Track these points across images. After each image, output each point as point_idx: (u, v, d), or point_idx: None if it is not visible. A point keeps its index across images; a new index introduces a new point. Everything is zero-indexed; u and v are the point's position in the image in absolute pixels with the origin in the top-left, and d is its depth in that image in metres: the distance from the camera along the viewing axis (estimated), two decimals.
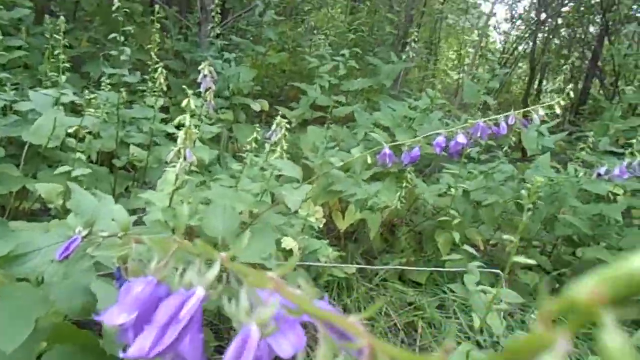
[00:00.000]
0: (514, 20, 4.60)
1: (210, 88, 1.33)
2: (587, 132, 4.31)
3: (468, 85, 2.53)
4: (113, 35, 1.51)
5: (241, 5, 3.77)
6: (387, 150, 1.17)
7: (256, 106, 2.55)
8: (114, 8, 1.39)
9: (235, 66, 2.58)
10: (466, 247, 1.57)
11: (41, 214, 1.71)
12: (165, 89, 1.69)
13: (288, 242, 1.89)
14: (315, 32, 6.69)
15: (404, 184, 1.85)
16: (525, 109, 1.09)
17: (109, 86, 1.69)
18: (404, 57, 2.68)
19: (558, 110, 1.06)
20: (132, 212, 1.97)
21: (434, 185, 2.15)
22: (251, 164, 1.59)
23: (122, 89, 1.78)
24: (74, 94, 1.59)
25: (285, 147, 1.35)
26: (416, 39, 2.60)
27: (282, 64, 4.22)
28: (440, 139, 1.12)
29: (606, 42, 5.42)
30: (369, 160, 1.22)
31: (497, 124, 1.08)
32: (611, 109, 3.43)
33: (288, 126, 1.47)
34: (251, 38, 3.18)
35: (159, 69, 1.66)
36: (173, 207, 1.03)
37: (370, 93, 2.88)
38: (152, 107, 1.73)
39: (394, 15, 3.35)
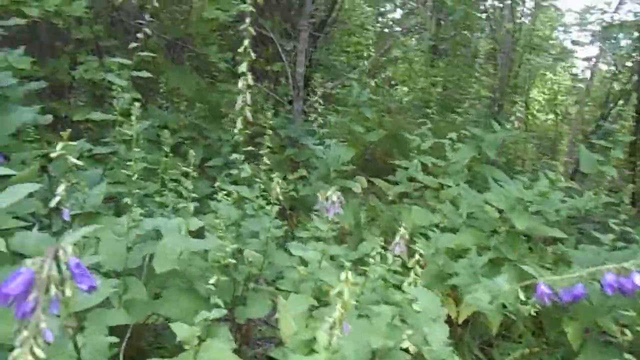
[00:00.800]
0: (616, 66, 4.30)
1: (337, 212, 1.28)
2: None
3: (585, 156, 2.34)
4: (234, 155, 1.51)
5: (328, 74, 3.81)
6: (544, 288, 1.05)
7: (357, 188, 2.50)
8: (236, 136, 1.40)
9: (334, 145, 2.57)
10: None
11: (164, 329, 1.72)
12: (281, 198, 1.68)
13: (405, 344, 1.79)
14: (392, 82, 6.67)
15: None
16: None
17: (226, 197, 1.71)
18: (508, 126, 2.54)
19: None
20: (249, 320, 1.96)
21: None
22: (374, 278, 1.52)
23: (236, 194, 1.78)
24: (196, 213, 1.61)
25: (419, 272, 1.27)
26: (521, 107, 2.46)
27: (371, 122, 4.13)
28: (611, 278, 0.99)
29: None
30: (522, 297, 1.10)
31: None
32: None
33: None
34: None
35: (275, 179, 1.66)
36: None
37: (471, 161, 2.75)
38: (268, 214, 1.71)
39: (490, 79, 3.23)
